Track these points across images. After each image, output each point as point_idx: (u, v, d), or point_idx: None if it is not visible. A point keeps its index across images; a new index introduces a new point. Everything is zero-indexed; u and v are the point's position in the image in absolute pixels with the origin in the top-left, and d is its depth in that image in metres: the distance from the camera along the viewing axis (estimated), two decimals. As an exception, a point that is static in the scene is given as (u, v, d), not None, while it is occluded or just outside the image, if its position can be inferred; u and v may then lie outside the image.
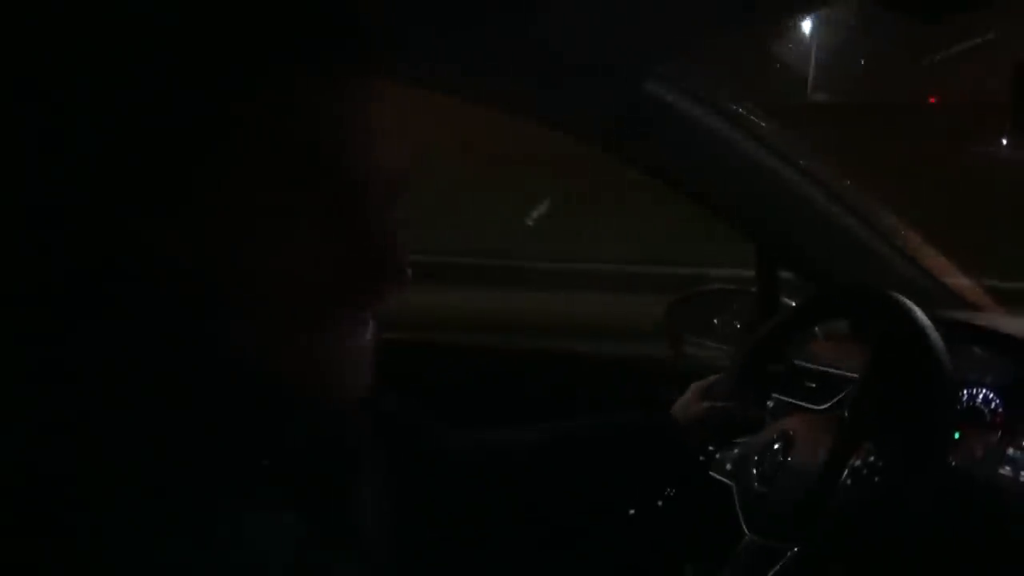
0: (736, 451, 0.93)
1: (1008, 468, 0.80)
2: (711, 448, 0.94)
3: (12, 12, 0.38)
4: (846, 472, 0.79)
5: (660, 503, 0.98)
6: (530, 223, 4.82)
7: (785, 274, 1.22)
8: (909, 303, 0.84)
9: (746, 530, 0.83)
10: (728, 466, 0.92)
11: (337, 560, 0.47)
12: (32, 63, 0.38)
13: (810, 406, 1.00)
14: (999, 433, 0.83)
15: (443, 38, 0.90)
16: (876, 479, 0.77)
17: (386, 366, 0.48)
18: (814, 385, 1.04)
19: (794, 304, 1.21)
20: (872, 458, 0.79)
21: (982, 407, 0.85)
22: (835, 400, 0.98)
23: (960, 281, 1.15)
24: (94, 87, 0.37)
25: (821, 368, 1.05)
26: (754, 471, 0.88)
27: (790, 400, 1.03)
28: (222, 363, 0.40)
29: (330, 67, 0.42)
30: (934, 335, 0.79)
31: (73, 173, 0.38)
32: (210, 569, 0.38)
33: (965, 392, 0.86)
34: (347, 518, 0.49)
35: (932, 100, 6.18)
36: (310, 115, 0.40)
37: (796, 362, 1.10)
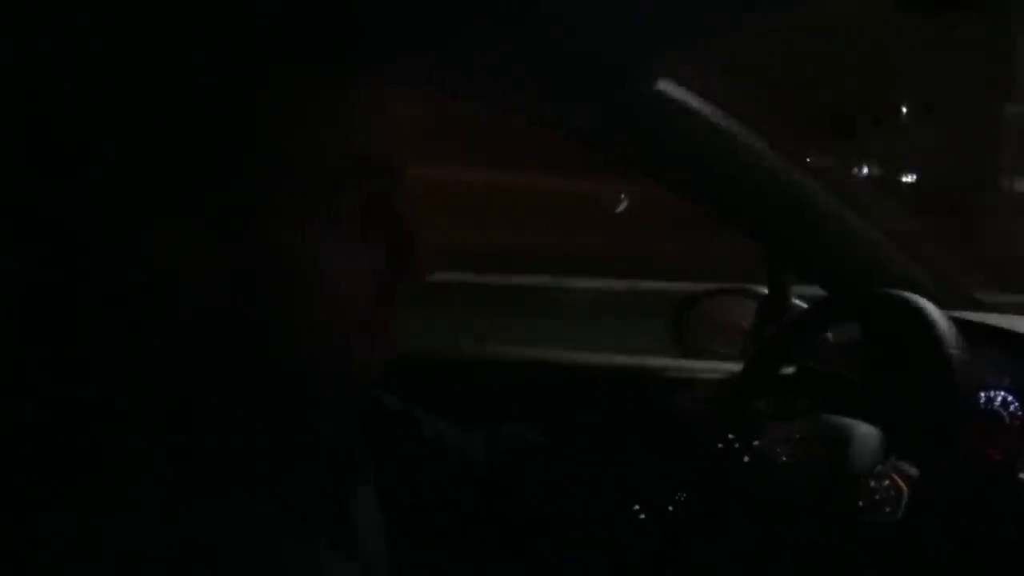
0: (746, 454, 0.92)
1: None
2: (721, 447, 0.93)
3: (38, 19, 0.38)
4: (861, 476, 0.78)
5: (670, 505, 0.97)
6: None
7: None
8: (923, 301, 0.82)
9: (759, 533, 0.81)
10: (739, 468, 0.91)
11: (334, 559, 0.46)
12: (55, 77, 0.38)
13: (821, 409, 0.98)
14: (1018, 436, 0.82)
15: (448, 41, 0.89)
16: (892, 485, 0.76)
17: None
18: (824, 388, 1.03)
19: (804, 306, 1.19)
20: (886, 464, 0.78)
21: (1000, 410, 0.84)
22: (846, 404, 0.96)
23: (974, 282, 1.14)
24: (122, 98, 0.37)
25: (831, 371, 1.04)
26: (764, 474, 0.87)
27: (800, 402, 1.02)
28: (248, 363, 0.41)
29: (342, 71, 0.42)
30: (946, 331, 0.77)
31: (113, 179, 0.38)
32: (208, 567, 0.37)
33: (983, 395, 0.85)
34: (346, 516, 0.49)
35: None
36: (328, 118, 0.41)
37: (806, 364, 1.09)
